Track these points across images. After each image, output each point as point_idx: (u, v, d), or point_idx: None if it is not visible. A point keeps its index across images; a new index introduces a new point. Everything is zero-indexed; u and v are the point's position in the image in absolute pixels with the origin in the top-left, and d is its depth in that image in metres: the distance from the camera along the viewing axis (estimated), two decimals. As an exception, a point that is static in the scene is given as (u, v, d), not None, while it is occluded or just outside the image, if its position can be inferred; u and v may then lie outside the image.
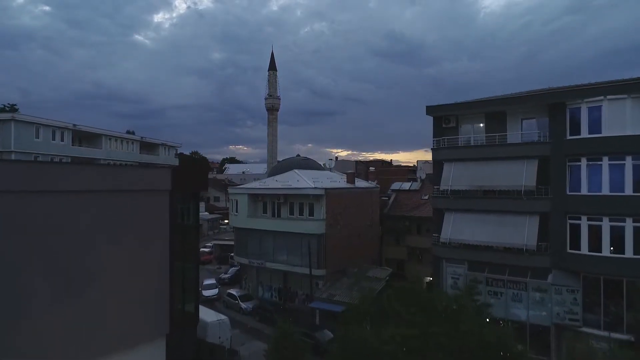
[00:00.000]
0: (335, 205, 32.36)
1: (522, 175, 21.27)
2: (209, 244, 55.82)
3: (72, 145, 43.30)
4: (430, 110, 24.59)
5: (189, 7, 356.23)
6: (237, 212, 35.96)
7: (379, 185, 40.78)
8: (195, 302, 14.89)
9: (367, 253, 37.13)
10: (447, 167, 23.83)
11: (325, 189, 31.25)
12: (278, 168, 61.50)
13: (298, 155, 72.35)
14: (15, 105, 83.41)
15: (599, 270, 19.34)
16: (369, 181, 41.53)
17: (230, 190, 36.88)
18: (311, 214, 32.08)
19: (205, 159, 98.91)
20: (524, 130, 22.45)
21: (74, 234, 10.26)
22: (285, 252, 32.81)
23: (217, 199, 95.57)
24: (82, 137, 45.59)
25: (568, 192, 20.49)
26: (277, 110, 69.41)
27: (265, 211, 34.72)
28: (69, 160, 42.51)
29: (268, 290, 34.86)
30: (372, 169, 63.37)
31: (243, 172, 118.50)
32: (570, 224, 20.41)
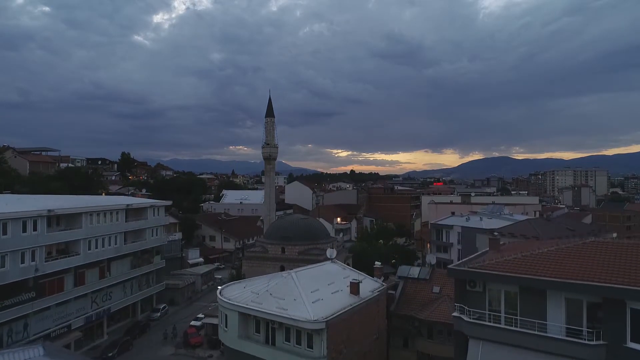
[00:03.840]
0: (339, 334, 28.37)
1: (570, 382, 17.26)
2: (200, 316, 51.50)
3: (48, 231, 39.29)
4: (452, 272, 20.61)
5: (187, 8, 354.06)
6: (226, 327, 32.00)
7: (385, 284, 36.75)
8: None
9: (373, 367, 33.28)
10: (473, 347, 19.79)
11: (327, 321, 27.23)
12: (275, 229, 57.66)
13: (298, 213, 68.59)
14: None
15: None
16: (375, 278, 37.46)
17: (219, 300, 32.82)
18: (310, 344, 28.10)
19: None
20: (569, 313, 18.37)
21: None
22: (281, 386, 28.86)
23: (212, 239, 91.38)
24: (60, 218, 41.59)
25: (629, 413, 16.52)
26: (275, 159, 65.41)
27: (258, 330, 30.75)
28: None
29: (262, 421, 30.83)
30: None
31: (241, 202, 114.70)
32: None
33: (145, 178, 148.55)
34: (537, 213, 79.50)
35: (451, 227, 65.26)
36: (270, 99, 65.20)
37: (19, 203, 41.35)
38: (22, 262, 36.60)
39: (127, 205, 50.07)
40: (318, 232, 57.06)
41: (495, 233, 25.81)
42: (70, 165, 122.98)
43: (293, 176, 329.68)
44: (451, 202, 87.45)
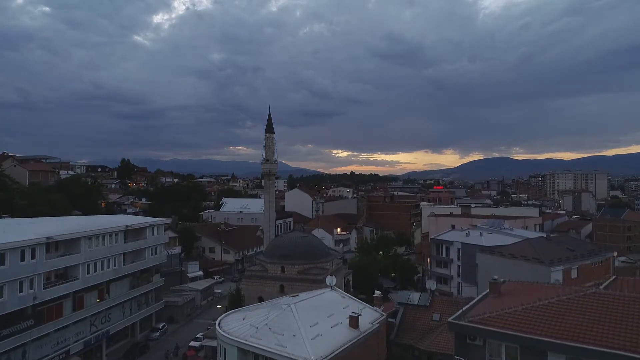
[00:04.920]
0: (337, 372, 28.28)
1: None
2: (199, 337, 51.11)
3: (47, 257, 39.12)
4: (452, 327, 20.47)
5: (187, 9, 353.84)
6: (225, 361, 31.93)
7: (384, 314, 36.60)
8: None
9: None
10: (473, 403, 19.70)
11: (326, 360, 27.14)
12: (275, 247, 57.53)
13: (297, 231, 68.46)
14: None
15: None
16: (374, 307, 37.31)
17: (218, 334, 32.75)
18: (309, 383, 27.99)
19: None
20: (570, 372, 18.27)
21: None
22: None
23: (212, 250, 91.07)
24: (59, 244, 41.42)
25: None
26: (275, 174, 65.25)
27: (257, 365, 30.69)
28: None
29: None
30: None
31: (240, 211, 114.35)
32: None
33: (145, 186, 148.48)
34: (538, 226, 79.35)
35: (451, 242, 65.13)
36: (270, 115, 65.03)
37: (17, 229, 41.13)
38: (21, 291, 36.43)
39: (127, 226, 49.91)
40: (317, 250, 56.91)
41: (495, 277, 25.62)
42: (70, 172, 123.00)
43: (293, 177, 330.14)
44: (451, 214, 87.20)
